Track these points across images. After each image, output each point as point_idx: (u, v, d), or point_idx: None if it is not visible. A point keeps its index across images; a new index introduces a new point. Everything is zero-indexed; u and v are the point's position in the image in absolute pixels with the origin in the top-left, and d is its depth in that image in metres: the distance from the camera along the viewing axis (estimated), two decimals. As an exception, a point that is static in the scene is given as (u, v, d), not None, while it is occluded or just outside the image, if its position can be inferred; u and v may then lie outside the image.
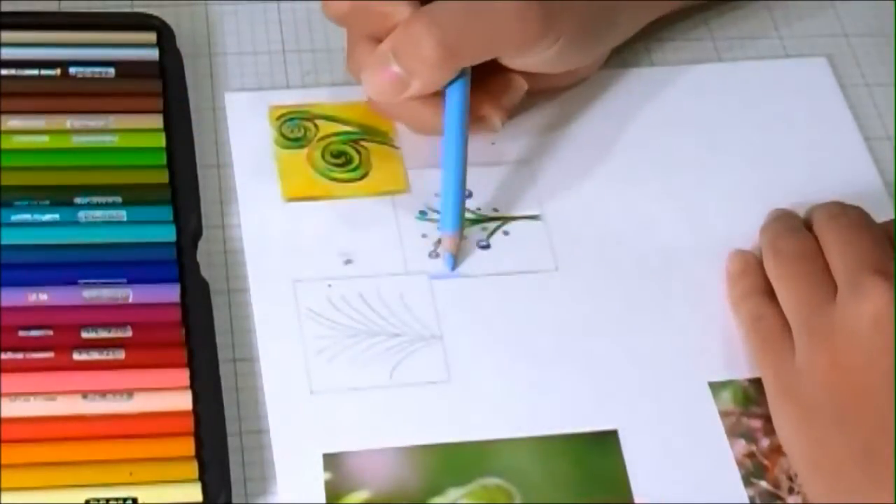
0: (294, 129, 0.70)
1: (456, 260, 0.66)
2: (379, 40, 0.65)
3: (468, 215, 0.68)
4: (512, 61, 0.66)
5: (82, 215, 0.64)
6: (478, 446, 0.61)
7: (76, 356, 0.60)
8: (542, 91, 0.71)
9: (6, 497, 0.57)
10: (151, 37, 0.71)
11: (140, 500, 0.57)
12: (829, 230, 0.64)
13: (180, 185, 0.66)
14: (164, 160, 0.67)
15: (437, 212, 0.68)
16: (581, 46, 0.68)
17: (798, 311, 0.62)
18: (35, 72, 0.69)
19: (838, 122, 0.73)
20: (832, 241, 0.63)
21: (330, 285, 0.65)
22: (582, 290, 0.66)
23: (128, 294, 0.62)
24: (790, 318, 0.62)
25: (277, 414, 0.61)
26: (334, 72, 0.72)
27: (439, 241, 0.67)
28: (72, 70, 0.69)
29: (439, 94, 0.66)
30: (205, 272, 0.64)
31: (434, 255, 0.67)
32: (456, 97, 0.66)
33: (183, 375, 0.61)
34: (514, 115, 0.71)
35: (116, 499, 0.57)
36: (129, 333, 0.61)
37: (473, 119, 0.67)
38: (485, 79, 0.67)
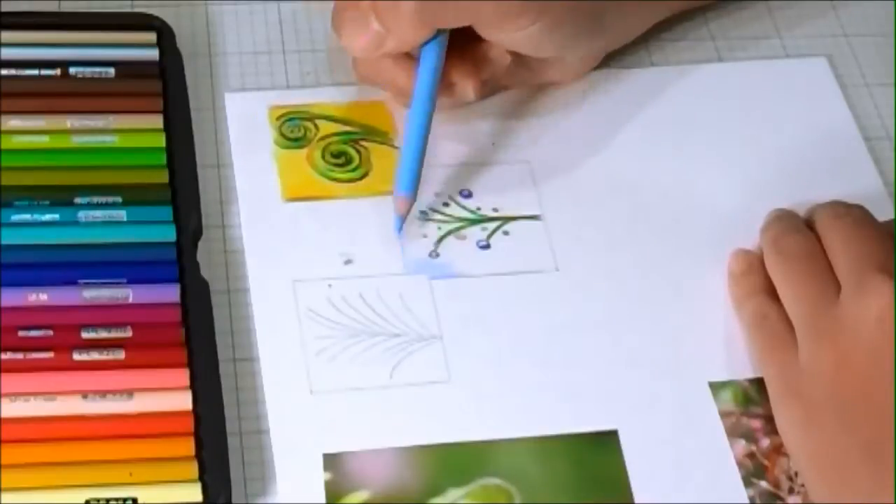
0: (294, 129, 0.70)
1: (404, 223, 0.66)
2: None
3: (468, 215, 0.68)
4: (491, 34, 0.67)
5: (82, 215, 0.64)
6: (478, 446, 0.61)
7: (76, 356, 0.60)
8: (535, 85, 0.71)
9: (6, 497, 0.57)
10: (151, 37, 0.71)
11: (140, 500, 0.57)
12: (832, 229, 0.64)
13: (180, 185, 0.66)
14: (164, 160, 0.67)
15: (438, 212, 0.68)
16: (563, 35, 0.67)
17: (802, 310, 0.62)
18: (35, 72, 0.69)
19: (838, 122, 0.73)
20: (835, 240, 0.63)
21: (330, 285, 0.65)
22: (582, 290, 0.66)
23: (128, 294, 0.62)
24: (793, 318, 0.62)
25: (277, 414, 0.61)
26: (334, 72, 0.72)
27: (440, 240, 0.67)
28: (72, 70, 0.69)
29: (413, 59, 0.67)
30: (205, 272, 0.64)
31: (434, 254, 0.67)
32: (429, 59, 0.66)
33: (183, 375, 0.61)
34: (514, 115, 0.71)
35: (116, 499, 0.57)
36: (129, 333, 0.61)
37: (445, 85, 0.67)
38: (466, 49, 0.68)
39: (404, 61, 0.67)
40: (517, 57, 0.68)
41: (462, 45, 0.68)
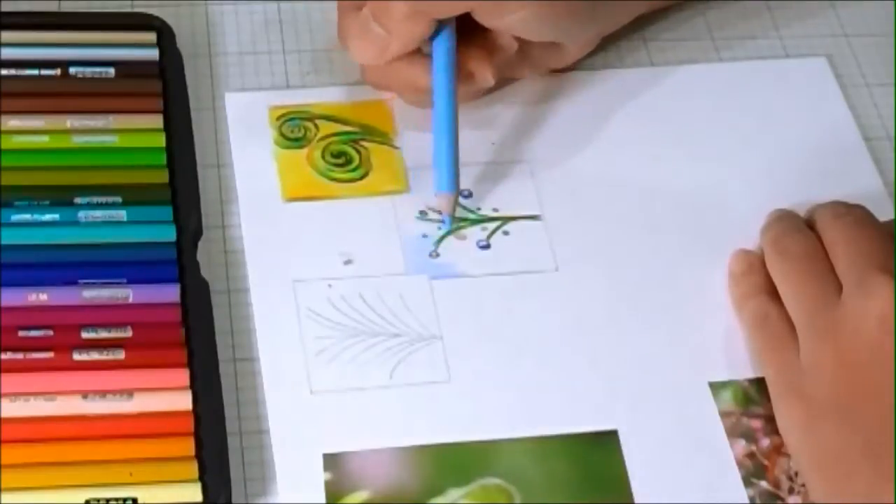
0: (294, 129, 0.70)
1: (452, 220, 0.67)
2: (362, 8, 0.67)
3: (468, 215, 0.68)
4: (488, 20, 0.67)
5: (82, 215, 0.64)
6: (478, 446, 0.61)
7: (76, 356, 0.60)
8: (536, 73, 0.72)
9: (6, 497, 0.57)
10: (151, 37, 0.71)
11: (140, 500, 0.57)
12: (833, 229, 0.64)
13: (180, 185, 0.66)
14: (164, 160, 0.67)
15: (438, 212, 0.68)
16: (559, 18, 0.68)
17: (803, 309, 0.62)
18: (35, 72, 0.69)
19: (838, 122, 0.73)
20: (837, 240, 0.63)
21: (330, 285, 0.65)
22: (582, 290, 0.66)
23: (128, 294, 0.62)
24: (794, 317, 0.62)
25: (277, 414, 0.61)
26: (334, 72, 0.72)
27: (440, 240, 0.67)
28: (72, 70, 0.69)
29: (426, 56, 0.67)
30: (205, 272, 0.64)
31: (434, 254, 0.67)
32: (441, 51, 0.67)
33: (183, 375, 0.61)
34: (513, 115, 0.71)
35: (116, 499, 0.57)
36: (129, 333, 0.61)
37: (464, 75, 0.68)
38: (474, 39, 0.68)
39: (417, 59, 0.68)
40: (519, 44, 0.69)
41: (470, 33, 0.68)
